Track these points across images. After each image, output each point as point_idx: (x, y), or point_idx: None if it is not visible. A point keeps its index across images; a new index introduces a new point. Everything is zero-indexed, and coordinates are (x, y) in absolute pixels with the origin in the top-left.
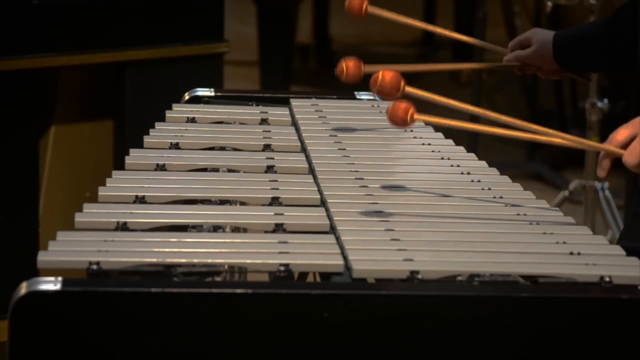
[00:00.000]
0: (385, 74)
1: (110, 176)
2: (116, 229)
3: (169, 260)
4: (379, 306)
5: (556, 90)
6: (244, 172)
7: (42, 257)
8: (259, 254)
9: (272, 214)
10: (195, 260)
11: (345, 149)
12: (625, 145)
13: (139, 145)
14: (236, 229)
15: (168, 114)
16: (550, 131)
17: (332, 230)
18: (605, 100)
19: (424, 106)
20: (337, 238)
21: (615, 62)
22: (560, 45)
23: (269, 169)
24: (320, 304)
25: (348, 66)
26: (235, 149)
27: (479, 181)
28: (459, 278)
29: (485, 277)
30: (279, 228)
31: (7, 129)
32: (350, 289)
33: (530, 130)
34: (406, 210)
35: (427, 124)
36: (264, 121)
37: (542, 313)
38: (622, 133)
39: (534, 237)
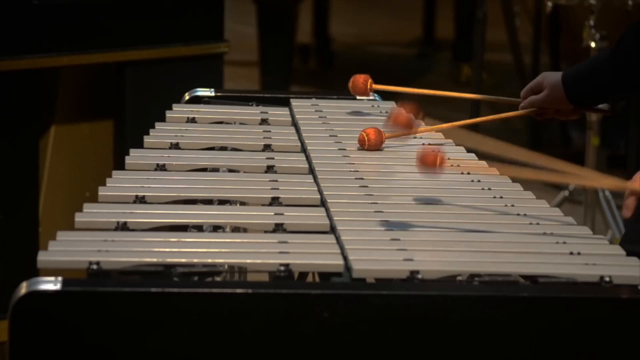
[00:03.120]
0: None
1: (110, 176)
2: (116, 229)
3: (169, 260)
4: (379, 306)
5: None
6: (244, 172)
7: (42, 257)
8: (258, 253)
9: (272, 214)
10: (195, 260)
11: (345, 149)
12: None
13: (139, 145)
14: (236, 229)
15: (168, 114)
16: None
17: (332, 230)
18: None
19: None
20: (337, 238)
21: (626, 90)
22: (571, 85)
23: (269, 169)
24: (320, 304)
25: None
26: (235, 149)
27: (479, 181)
28: (459, 278)
29: (485, 277)
30: (279, 228)
31: (7, 129)
32: (350, 289)
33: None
34: (406, 210)
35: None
36: (264, 121)
37: (542, 313)
38: None
39: (534, 237)
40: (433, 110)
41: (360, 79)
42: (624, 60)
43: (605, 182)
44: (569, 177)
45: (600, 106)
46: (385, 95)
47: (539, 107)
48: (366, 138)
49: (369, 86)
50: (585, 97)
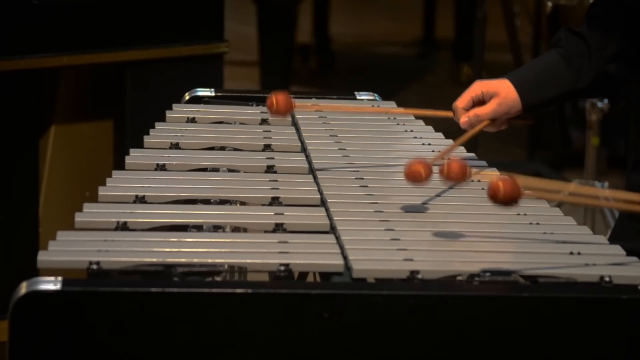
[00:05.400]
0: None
1: (110, 176)
2: (116, 229)
3: (169, 260)
4: (379, 306)
5: None
6: (244, 172)
7: (42, 257)
8: (259, 253)
9: (272, 213)
10: (195, 260)
11: (345, 149)
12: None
13: (139, 145)
14: (236, 229)
15: (168, 114)
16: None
17: (332, 230)
18: (605, 100)
19: None
20: (337, 238)
21: (582, 94)
22: (528, 93)
23: (269, 169)
24: (320, 304)
25: (278, 100)
26: (235, 149)
27: (479, 181)
28: (459, 278)
29: (485, 277)
30: (279, 228)
31: (7, 129)
32: (350, 289)
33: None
34: (406, 210)
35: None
36: (264, 121)
37: (542, 313)
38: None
39: (534, 237)
40: (433, 109)
41: (280, 97)
42: (575, 62)
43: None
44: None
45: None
46: (385, 95)
47: (490, 117)
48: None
49: (293, 104)
50: (541, 103)
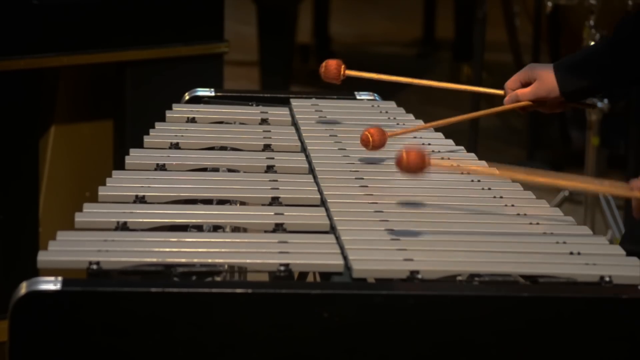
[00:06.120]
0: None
1: (110, 176)
2: (116, 229)
3: (169, 260)
4: (379, 306)
5: None
6: (244, 172)
7: (42, 257)
8: (258, 253)
9: (272, 213)
10: (195, 260)
11: (345, 149)
12: None
13: (139, 145)
14: (236, 229)
15: (168, 114)
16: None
17: (332, 230)
18: (605, 100)
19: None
20: (337, 238)
21: (622, 82)
22: (564, 77)
23: (269, 168)
24: (320, 304)
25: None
26: (235, 149)
27: (479, 181)
28: (459, 278)
29: (485, 277)
30: (279, 228)
31: (7, 129)
32: (350, 289)
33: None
34: (406, 210)
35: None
36: (264, 121)
37: (542, 313)
38: None
39: (534, 237)
40: (433, 109)
41: (333, 64)
42: (621, 51)
43: (607, 189)
44: (569, 181)
45: (586, 101)
46: (385, 95)
47: (528, 99)
48: (370, 138)
49: (342, 72)
50: (579, 89)
